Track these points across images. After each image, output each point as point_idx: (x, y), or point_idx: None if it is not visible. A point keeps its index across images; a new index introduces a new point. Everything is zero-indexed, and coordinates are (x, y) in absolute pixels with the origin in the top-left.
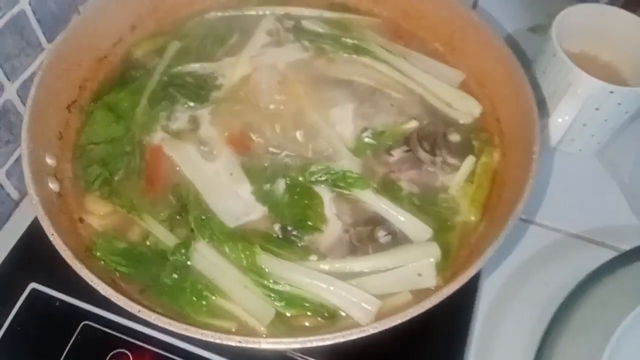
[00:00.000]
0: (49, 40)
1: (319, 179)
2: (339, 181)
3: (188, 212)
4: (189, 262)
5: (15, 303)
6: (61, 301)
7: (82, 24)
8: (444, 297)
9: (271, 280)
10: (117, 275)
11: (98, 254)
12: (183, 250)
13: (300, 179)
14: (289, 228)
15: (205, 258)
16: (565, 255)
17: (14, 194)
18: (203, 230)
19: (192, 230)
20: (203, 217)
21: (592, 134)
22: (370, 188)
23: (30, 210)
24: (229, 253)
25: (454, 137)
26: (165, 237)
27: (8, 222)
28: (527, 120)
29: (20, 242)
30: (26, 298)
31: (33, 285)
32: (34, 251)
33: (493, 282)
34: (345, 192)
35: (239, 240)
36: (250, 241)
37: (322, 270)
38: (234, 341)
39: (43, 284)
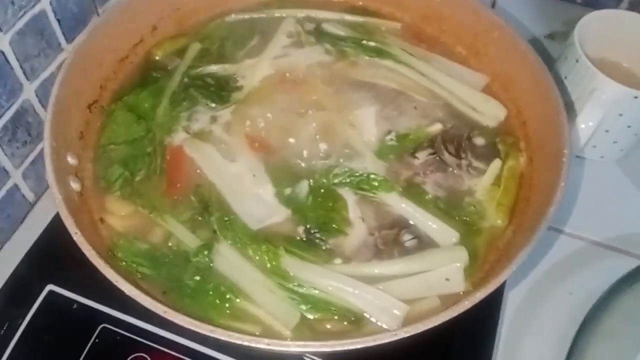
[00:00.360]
0: (68, 41)
1: (343, 181)
2: (362, 184)
3: (210, 213)
4: (211, 264)
5: (32, 305)
6: (79, 303)
7: (104, 23)
8: (477, 301)
9: (296, 284)
10: (139, 276)
11: (119, 254)
12: (206, 252)
13: (324, 181)
14: (313, 231)
15: (228, 260)
16: (589, 264)
17: (30, 196)
18: (226, 232)
19: (215, 232)
20: (226, 219)
21: (614, 141)
22: (395, 191)
23: (46, 212)
24: (252, 255)
25: (479, 141)
26: (187, 239)
27: (23, 224)
28: (555, 124)
29: (37, 243)
30: (43, 300)
31: (50, 287)
32: (51, 253)
33: (517, 290)
34: (370, 194)
35: (263, 242)
36: (274, 244)
37: (348, 273)
38: (262, 344)
39: (60, 286)
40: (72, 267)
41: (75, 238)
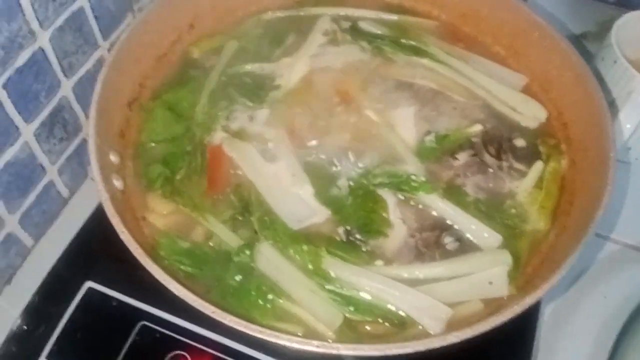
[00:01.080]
0: (105, 38)
1: (383, 182)
2: (403, 185)
3: (251, 213)
4: (252, 264)
5: (71, 302)
6: (118, 301)
7: (144, 21)
8: (527, 306)
9: (338, 285)
10: (182, 275)
11: (162, 253)
12: (247, 252)
13: (364, 181)
14: (354, 232)
15: (270, 260)
16: (623, 267)
17: (64, 192)
18: (267, 232)
19: (255, 232)
20: (266, 219)
21: None
22: (436, 192)
23: (82, 208)
24: (294, 255)
25: (520, 142)
26: (229, 238)
27: (58, 220)
28: (599, 126)
29: (75, 240)
30: (82, 297)
31: (89, 284)
32: (90, 249)
33: (553, 293)
34: (410, 196)
35: (304, 242)
36: (315, 244)
37: (390, 275)
38: (312, 346)
39: (100, 283)
40: (112, 264)
41: (122, 237)
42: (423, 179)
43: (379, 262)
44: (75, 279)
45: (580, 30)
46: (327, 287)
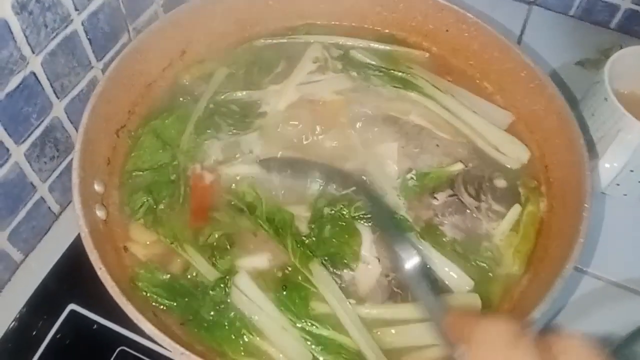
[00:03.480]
0: (98, 59)
1: (364, 215)
2: None
3: (231, 243)
4: (228, 299)
5: (54, 323)
6: (99, 324)
7: (136, 49)
8: None
9: (309, 322)
10: (159, 306)
11: (140, 284)
12: (222, 285)
13: (344, 212)
14: (327, 264)
15: (244, 295)
16: (608, 306)
17: (55, 208)
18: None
19: (234, 265)
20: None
21: (639, 180)
22: (413, 231)
23: (70, 225)
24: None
25: (500, 183)
26: (206, 271)
27: (47, 235)
28: (577, 175)
29: (61, 260)
30: (65, 319)
31: (72, 306)
32: (74, 272)
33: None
34: None
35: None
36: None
37: (360, 315)
38: None
39: (82, 306)
40: (95, 288)
41: (99, 273)
42: (402, 216)
43: (352, 301)
44: (59, 300)
45: (581, 56)
46: (299, 324)
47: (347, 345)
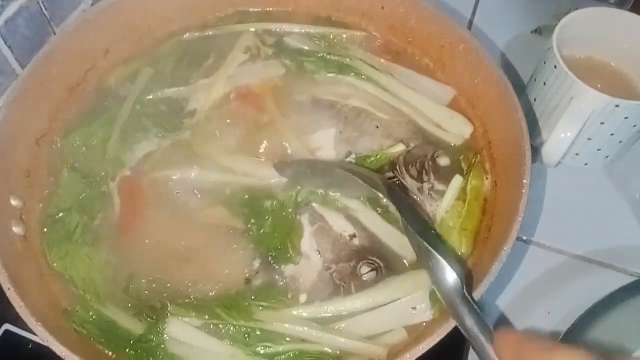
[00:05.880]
0: (24, 66)
1: (306, 199)
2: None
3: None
4: (163, 346)
5: None
6: (35, 344)
7: (51, 52)
8: (449, 330)
9: (259, 347)
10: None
11: (72, 316)
12: (152, 337)
13: (286, 204)
14: (268, 260)
15: (181, 340)
16: (570, 280)
17: None
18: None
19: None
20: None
21: (598, 148)
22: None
23: None
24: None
25: (444, 161)
26: (131, 325)
27: None
28: (517, 149)
29: None
30: (0, 339)
31: (7, 326)
32: None
33: (493, 306)
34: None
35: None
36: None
37: (312, 315)
38: None
39: (17, 326)
40: None
41: (7, 295)
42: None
43: (303, 298)
44: None
45: (537, 24)
46: (248, 352)
47: (308, 350)
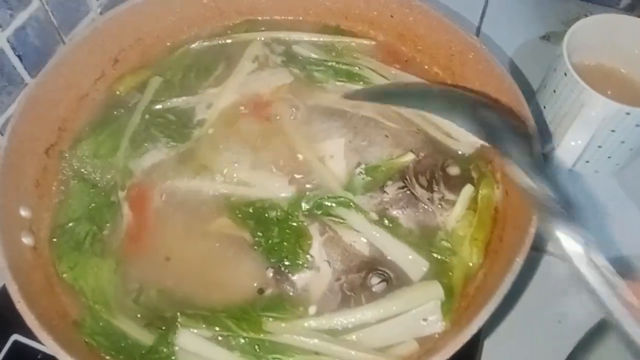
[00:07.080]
0: (33, 75)
1: (313, 208)
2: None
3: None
4: (173, 357)
5: None
6: (44, 354)
7: (60, 62)
8: (462, 343)
9: (268, 359)
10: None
11: (82, 327)
12: (163, 348)
13: (295, 213)
14: (280, 269)
15: (192, 351)
16: (581, 288)
17: None
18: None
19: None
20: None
21: (608, 156)
22: (366, 215)
23: None
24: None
25: (454, 170)
26: (141, 336)
27: None
28: None
29: (2, 290)
30: (9, 349)
31: (16, 336)
32: None
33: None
34: (339, 220)
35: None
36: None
37: (321, 327)
38: None
39: (26, 336)
40: None
41: (17, 307)
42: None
43: (312, 309)
44: (2, 331)
45: (546, 30)
46: None
47: None
